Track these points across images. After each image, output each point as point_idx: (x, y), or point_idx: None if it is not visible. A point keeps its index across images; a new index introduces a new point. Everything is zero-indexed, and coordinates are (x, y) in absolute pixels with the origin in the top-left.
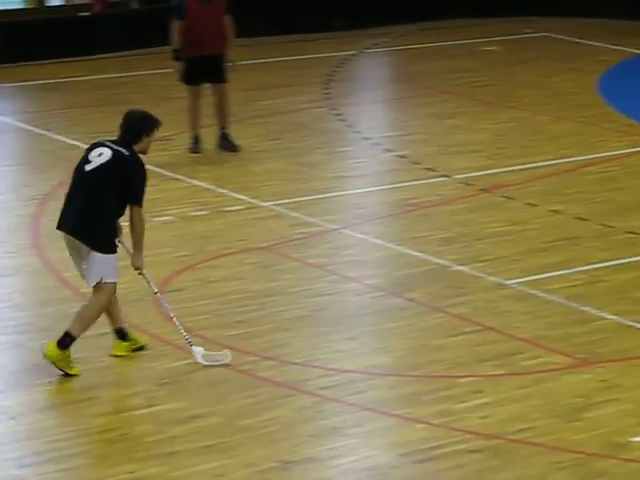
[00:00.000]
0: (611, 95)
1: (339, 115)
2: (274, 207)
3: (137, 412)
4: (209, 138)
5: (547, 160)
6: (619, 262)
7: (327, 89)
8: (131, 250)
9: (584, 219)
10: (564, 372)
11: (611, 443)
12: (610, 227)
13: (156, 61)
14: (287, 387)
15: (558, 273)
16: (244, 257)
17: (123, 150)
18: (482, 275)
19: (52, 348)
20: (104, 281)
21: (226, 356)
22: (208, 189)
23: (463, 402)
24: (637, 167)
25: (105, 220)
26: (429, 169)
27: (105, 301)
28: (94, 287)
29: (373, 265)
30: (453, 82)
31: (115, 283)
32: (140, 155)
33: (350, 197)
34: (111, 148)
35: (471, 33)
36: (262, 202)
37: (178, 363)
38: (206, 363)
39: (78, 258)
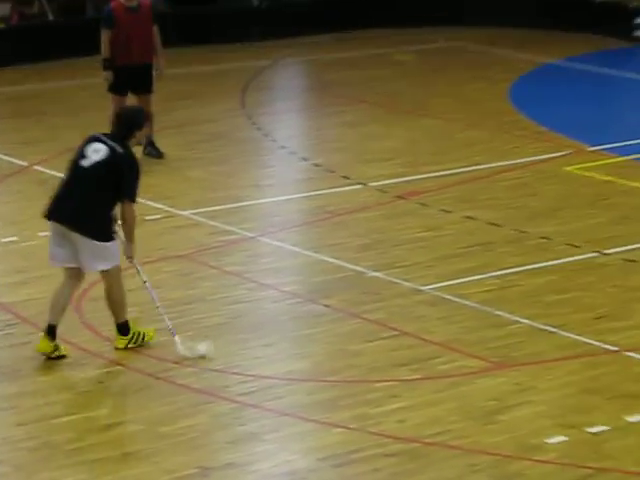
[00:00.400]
0: (522, 103)
1: (255, 124)
2: (192, 216)
3: (57, 420)
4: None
5: (461, 167)
6: (532, 267)
7: (244, 98)
8: (123, 240)
9: (498, 225)
10: (479, 375)
11: (526, 445)
12: (523, 232)
13: (72, 72)
14: (206, 394)
15: (472, 278)
16: (162, 265)
17: (118, 147)
18: (398, 281)
19: (118, 340)
20: (112, 265)
21: (208, 346)
22: None
23: (380, 406)
24: (549, 173)
25: (104, 213)
26: (344, 177)
27: (118, 281)
28: (104, 274)
29: (290, 272)
30: (367, 91)
31: (119, 266)
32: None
33: (267, 205)
34: (106, 144)
35: (385, 43)
36: (180, 211)
37: (98, 371)
38: (186, 354)
39: (66, 247)
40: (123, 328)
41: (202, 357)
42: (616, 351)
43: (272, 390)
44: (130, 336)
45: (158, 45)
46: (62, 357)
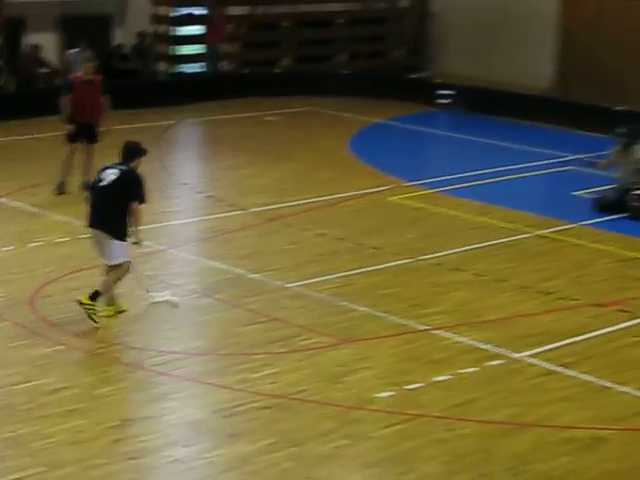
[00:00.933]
0: (358, 151)
1: (164, 167)
2: None
3: (16, 387)
4: (70, 185)
5: (315, 198)
6: (367, 269)
7: (157, 148)
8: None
9: (342, 239)
10: (329, 349)
11: (363, 398)
12: (360, 244)
13: (29, 128)
14: (129, 365)
15: (324, 278)
16: (96, 272)
17: (124, 168)
18: (269, 280)
19: (84, 297)
20: (124, 261)
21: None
22: (69, 222)
23: (257, 372)
24: (379, 201)
25: (121, 218)
26: (230, 205)
27: (122, 273)
28: (115, 266)
29: (191, 275)
30: (246, 143)
31: (129, 261)
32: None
33: (174, 226)
34: (116, 168)
35: (258, 108)
36: None
37: (47, 349)
38: (162, 299)
39: (100, 246)
40: (95, 296)
41: (171, 303)
42: (427, 330)
43: (178, 362)
44: (92, 304)
45: (106, 109)
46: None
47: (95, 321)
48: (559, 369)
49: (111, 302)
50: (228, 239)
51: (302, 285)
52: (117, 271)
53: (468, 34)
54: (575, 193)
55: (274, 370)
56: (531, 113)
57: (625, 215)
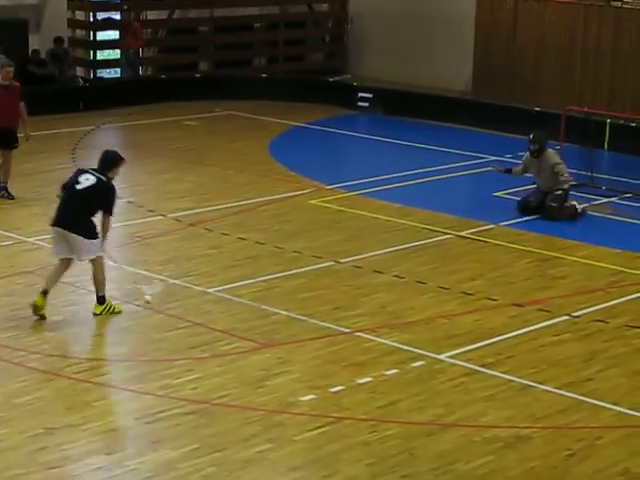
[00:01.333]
0: (278, 155)
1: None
2: (37, 241)
3: None
4: None
5: (235, 202)
6: (288, 273)
7: (73, 154)
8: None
9: (262, 243)
10: (251, 353)
11: (285, 402)
12: (281, 248)
13: None
14: (50, 373)
15: (245, 282)
16: (15, 279)
17: (102, 177)
18: (191, 286)
19: (96, 307)
20: (97, 255)
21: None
22: None
23: (179, 378)
24: (299, 205)
25: (91, 220)
26: (150, 210)
27: (102, 266)
28: (92, 262)
29: (112, 281)
30: (165, 147)
31: (102, 256)
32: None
33: None
34: (94, 175)
35: (177, 112)
36: (27, 238)
37: None
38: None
39: (64, 245)
40: (101, 299)
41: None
42: (349, 332)
43: (99, 369)
44: (104, 305)
45: (24, 115)
46: (43, 318)
47: (120, 311)
48: (481, 369)
49: (45, 294)
50: (149, 245)
51: (223, 290)
52: (99, 265)
53: (386, 37)
54: (496, 194)
55: (196, 375)
56: (450, 115)
57: (543, 215)
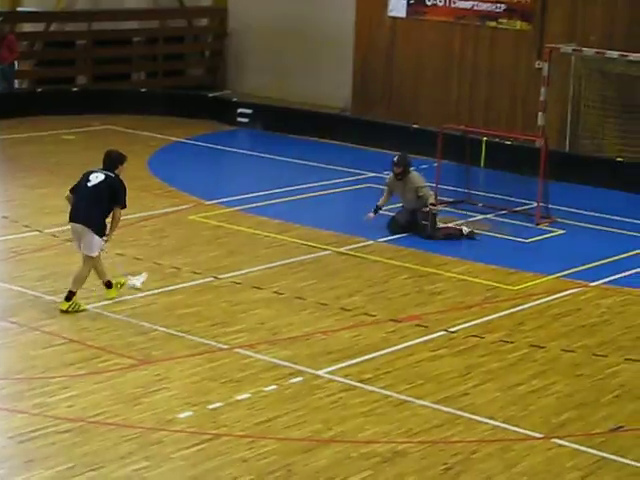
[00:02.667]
0: (157, 170)
1: None
2: None
3: None
4: None
5: None
6: (167, 289)
7: None
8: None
9: (140, 259)
10: (128, 370)
11: (163, 419)
12: (160, 264)
13: None
14: None
15: (123, 298)
16: None
17: (110, 174)
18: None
19: (63, 304)
20: (95, 254)
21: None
22: None
23: (54, 396)
24: (177, 221)
25: (103, 217)
26: (26, 226)
27: (94, 264)
28: (87, 257)
29: None
30: (42, 162)
31: (98, 256)
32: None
33: None
34: (103, 173)
35: (53, 126)
36: None
37: None
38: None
39: (79, 239)
40: (70, 296)
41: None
42: (227, 349)
43: None
44: (71, 302)
45: None
46: (82, 310)
47: (84, 309)
48: (359, 384)
49: (109, 285)
50: (24, 260)
51: (101, 306)
52: (90, 264)
53: (266, 53)
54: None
55: (72, 393)
56: (330, 132)
57: (416, 234)
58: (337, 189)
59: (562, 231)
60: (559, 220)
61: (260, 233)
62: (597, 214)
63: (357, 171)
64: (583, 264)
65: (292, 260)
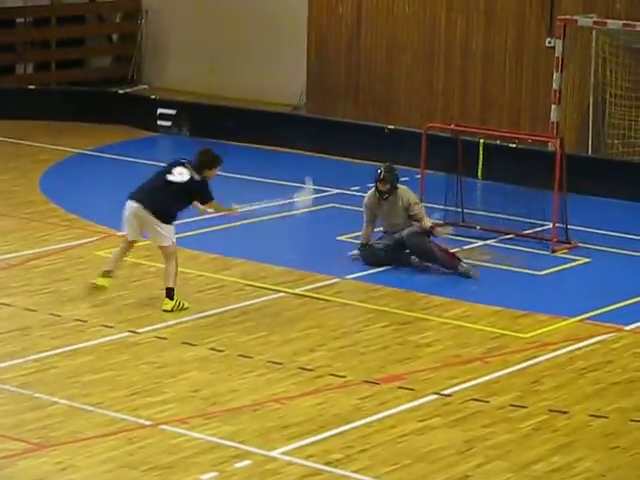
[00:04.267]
0: (52, 192)
1: None
2: None
3: None
4: None
5: None
6: (69, 348)
7: None
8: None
9: (33, 310)
10: (20, 457)
11: None
12: (58, 316)
13: None
14: None
15: (11, 363)
16: None
17: (195, 175)
18: None
19: (167, 303)
20: (170, 242)
21: None
22: None
23: None
24: (81, 258)
25: (175, 211)
26: None
27: (174, 256)
28: (164, 249)
29: None
30: None
31: (174, 245)
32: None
33: None
34: (189, 172)
35: None
36: None
37: None
38: None
39: (139, 225)
40: (171, 293)
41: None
42: (151, 425)
43: None
44: (175, 302)
45: None
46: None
47: (185, 306)
48: (326, 468)
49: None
50: None
51: None
52: (171, 254)
53: (193, 37)
54: (340, 238)
55: None
56: (279, 136)
57: (402, 265)
58: (291, 211)
59: (586, 259)
60: (582, 245)
61: (191, 271)
62: (631, 235)
63: (316, 187)
64: (615, 302)
65: (234, 306)
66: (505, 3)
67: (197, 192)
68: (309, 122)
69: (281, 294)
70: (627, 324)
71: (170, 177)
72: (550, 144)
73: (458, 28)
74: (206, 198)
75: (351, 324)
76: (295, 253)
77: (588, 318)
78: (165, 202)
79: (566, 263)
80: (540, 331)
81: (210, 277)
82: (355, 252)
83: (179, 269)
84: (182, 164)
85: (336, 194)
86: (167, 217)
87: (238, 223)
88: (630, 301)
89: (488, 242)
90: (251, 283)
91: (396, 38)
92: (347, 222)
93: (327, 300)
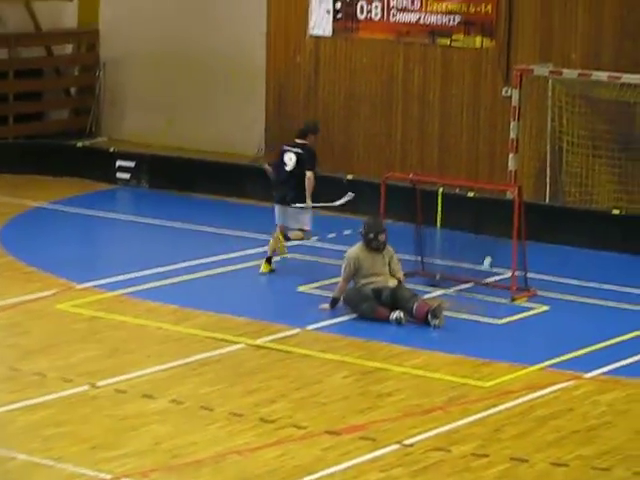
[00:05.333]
0: (11, 245)
1: None
2: None
3: None
4: None
5: None
6: (28, 403)
7: None
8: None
9: None
10: None
11: None
12: (17, 370)
13: None
14: None
15: None
16: None
17: (299, 150)
18: None
19: (265, 266)
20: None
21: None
22: None
23: None
24: (40, 312)
25: (301, 188)
26: None
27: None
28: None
29: None
30: None
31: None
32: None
33: None
34: (293, 151)
35: None
36: None
37: None
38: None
39: (284, 216)
40: (269, 260)
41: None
42: (111, 479)
43: None
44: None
45: None
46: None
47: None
48: None
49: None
50: None
51: None
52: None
53: (151, 89)
54: (302, 289)
55: None
56: (238, 188)
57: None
58: (251, 262)
59: (545, 307)
60: (541, 293)
61: (150, 324)
62: (589, 283)
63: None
64: (574, 350)
65: (194, 358)
66: (462, 53)
67: (306, 162)
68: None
69: (241, 345)
70: (586, 371)
71: (287, 167)
72: (508, 192)
73: (416, 77)
74: (311, 165)
75: (312, 375)
76: (258, 303)
77: (548, 366)
78: (296, 189)
79: (525, 311)
80: (501, 380)
81: (170, 329)
82: (325, 306)
83: (139, 321)
84: (287, 150)
85: (297, 245)
86: (299, 197)
87: (195, 276)
88: (589, 349)
89: (447, 291)
90: (211, 335)
91: (354, 88)
92: (307, 273)
93: (287, 351)
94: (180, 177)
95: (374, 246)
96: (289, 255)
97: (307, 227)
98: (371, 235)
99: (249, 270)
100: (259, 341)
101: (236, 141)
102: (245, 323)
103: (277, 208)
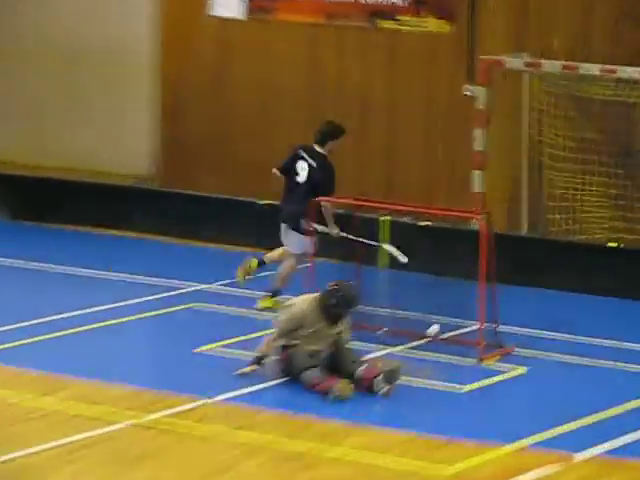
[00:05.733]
0: None
1: None
2: None
3: None
4: None
5: None
6: None
7: None
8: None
9: None
10: None
11: None
12: None
13: None
14: None
15: None
16: None
17: (313, 164)
18: None
19: (267, 300)
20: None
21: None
22: None
23: None
24: None
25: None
26: None
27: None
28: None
29: None
30: None
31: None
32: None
33: None
34: (307, 162)
35: None
36: None
37: None
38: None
39: (285, 236)
40: (275, 293)
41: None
42: None
43: None
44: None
45: None
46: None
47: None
48: None
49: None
50: None
51: None
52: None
53: (9, 93)
54: (202, 348)
55: None
56: (122, 216)
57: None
58: (137, 314)
59: (522, 369)
60: (517, 351)
61: (10, 395)
62: (578, 338)
63: (169, 282)
64: (561, 424)
65: (64, 441)
66: (411, 39)
67: (321, 178)
68: (159, 197)
69: (126, 423)
70: (577, 451)
71: (298, 179)
72: (473, 221)
73: (352, 71)
74: (328, 189)
75: (219, 461)
76: (149, 367)
77: (528, 445)
78: (303, 207)
79: (497, 375)
80: (465, 464)
81: (34, 403)
82: (252, 367)
83: None
84: (301, 157)
85: (193, 291)
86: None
87: (68, 332)
88: (579, 422)
89: (396, 349)
90: (86, 410)
91: (271, 85)
92: (209, 327)
93: (186, 430)
94: (48, 204)
95: (331, 316)
96: (192, 305)
97: (293, 249)
98: (338, 309)
99: (136, 324)
100: (150, 417)
101: (119, 158)
102: (131, 394)
103: (282, 227)
